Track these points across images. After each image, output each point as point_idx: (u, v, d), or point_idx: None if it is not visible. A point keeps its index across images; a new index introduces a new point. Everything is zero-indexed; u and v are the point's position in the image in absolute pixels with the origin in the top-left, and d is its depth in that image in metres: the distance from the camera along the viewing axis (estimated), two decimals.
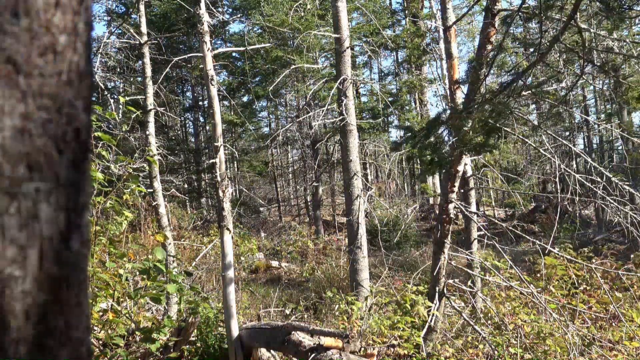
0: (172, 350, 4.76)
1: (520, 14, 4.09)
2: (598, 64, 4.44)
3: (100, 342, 4.13)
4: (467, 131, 3.99)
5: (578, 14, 3.72)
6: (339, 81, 7.40)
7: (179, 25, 18.69)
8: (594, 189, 5.55)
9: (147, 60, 8.02)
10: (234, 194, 20.15)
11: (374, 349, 4.83)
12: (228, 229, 5.06)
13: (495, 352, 4.84)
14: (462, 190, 6.39)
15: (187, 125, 24.96)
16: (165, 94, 13.06)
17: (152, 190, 7.55)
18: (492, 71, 5.94)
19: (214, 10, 7.07)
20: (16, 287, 0.47)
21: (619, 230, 11.90)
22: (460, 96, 6.94)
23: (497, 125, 3.90)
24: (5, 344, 0.45)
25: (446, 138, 4.53)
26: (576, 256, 6.35)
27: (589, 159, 5.97)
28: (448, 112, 4.32)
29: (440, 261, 5.27)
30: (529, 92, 4.16)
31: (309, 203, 20.35)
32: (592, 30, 4.56)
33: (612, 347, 5.04)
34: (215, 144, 5.17)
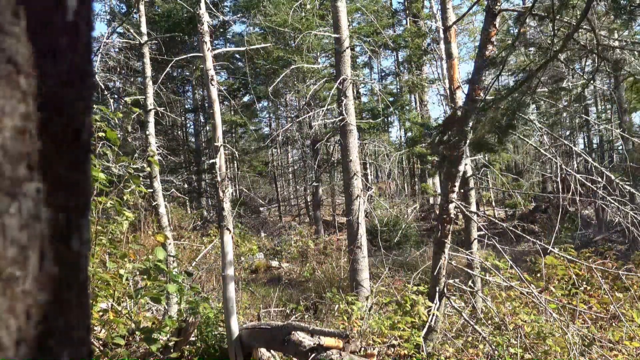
0: (172, 350, 4.76)
1: (531, 14, 4.08)
2: (611, 61, 4.43)
3: (101, 342, 4.13)
4: (482, 129, 3.99)
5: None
6: (338, 81, 7.40)
7: (182, 25, 18.69)
8: (595, 188, 5.55)
9: (147, 60, 8.01)
10: (234, 194, 20.15)
11: (374, 349, 4.83)
12: (228, 229, 5.06)
13: (496, 352, 4.84)
14: (462, 190, 6.39)
15: (188, 125, 24.98)
16: (166, 94, 13.05)
17: (152, 190, 7.55)
18: (490, 71, 5.95)
19: (214, 10, 7.07)
20: (17, 287, 0.47)
21: (619, 230, 11.89)
22: (460, 96, 6.94)
23: (513, 122, 3.92)
24: (7, 344, 0.45)
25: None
26: (577, 256, 6.35)
27: (589, 159, 5.97)
28: (466, 109, 4.30)
29: (441, 261, 5.26)
30: (544, 89, 4.17)
31: (309, 203, 20.35)
32: (595, 31, 4.56)
33: (612, 347, 5.03)
34: (216, 144, 5.17)
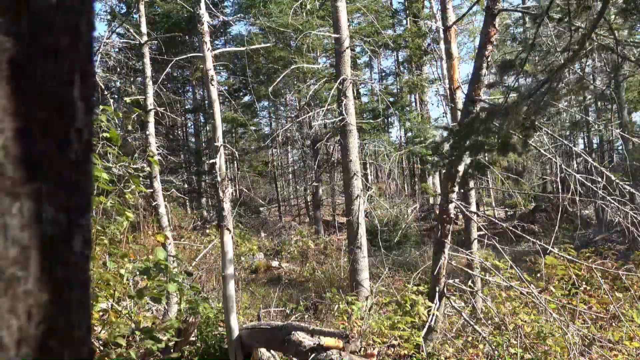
0: (172, 350, 4.77)
1: (547, 15, 4.07)
2: (633, 59, 4.42)
3: (101, 342, 4.13)
4: (506, 131, 3.98)
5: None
6: (338, 81, 7.40)
7: (182, 25, 18.67)
8: (595, 188, 5.55)
9: (147, 60, 8.01)
10: (234, 194, 20.13)
11: (374, 349, 4.84)
12: (228, 229, 5.06)
13: (496, 352, 4.84)
14: (462, 190, 6.38)
15: (188, 125, 24.97)
16: (166, 95, 13.05)
17: (152, 190, 7.55)
18: (491, 71, 5.95)
19: (214, 10, 7.06)
20: (18, 287, 0.47)
21: (619, 230, 11.89)
22: (460, 96, 6.94)
23: (535, 125, 3.91)
24: (8, 344, 0.45)
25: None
26: (577, 256, 6.34)
27: (589, 159, 5.97)
28: (485, 112, 4.30)
29: (441, 261, 5.27)
30: (566, 89, 4.15)
31: (309, 203, 20.36)
32: (613, 30, 4.54)
33: (612, 347, 5.03)
34: (216, 144, 5.17)
